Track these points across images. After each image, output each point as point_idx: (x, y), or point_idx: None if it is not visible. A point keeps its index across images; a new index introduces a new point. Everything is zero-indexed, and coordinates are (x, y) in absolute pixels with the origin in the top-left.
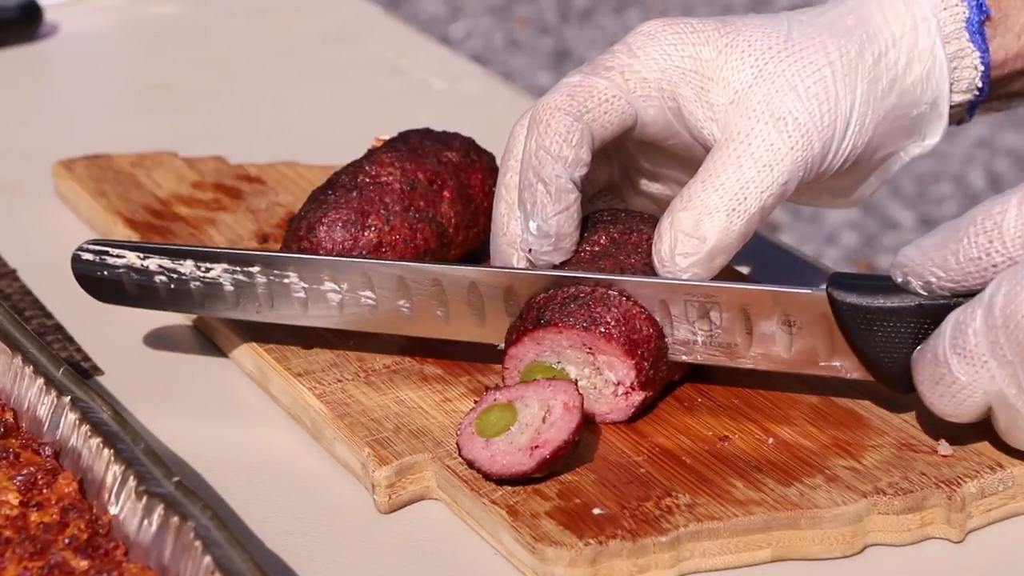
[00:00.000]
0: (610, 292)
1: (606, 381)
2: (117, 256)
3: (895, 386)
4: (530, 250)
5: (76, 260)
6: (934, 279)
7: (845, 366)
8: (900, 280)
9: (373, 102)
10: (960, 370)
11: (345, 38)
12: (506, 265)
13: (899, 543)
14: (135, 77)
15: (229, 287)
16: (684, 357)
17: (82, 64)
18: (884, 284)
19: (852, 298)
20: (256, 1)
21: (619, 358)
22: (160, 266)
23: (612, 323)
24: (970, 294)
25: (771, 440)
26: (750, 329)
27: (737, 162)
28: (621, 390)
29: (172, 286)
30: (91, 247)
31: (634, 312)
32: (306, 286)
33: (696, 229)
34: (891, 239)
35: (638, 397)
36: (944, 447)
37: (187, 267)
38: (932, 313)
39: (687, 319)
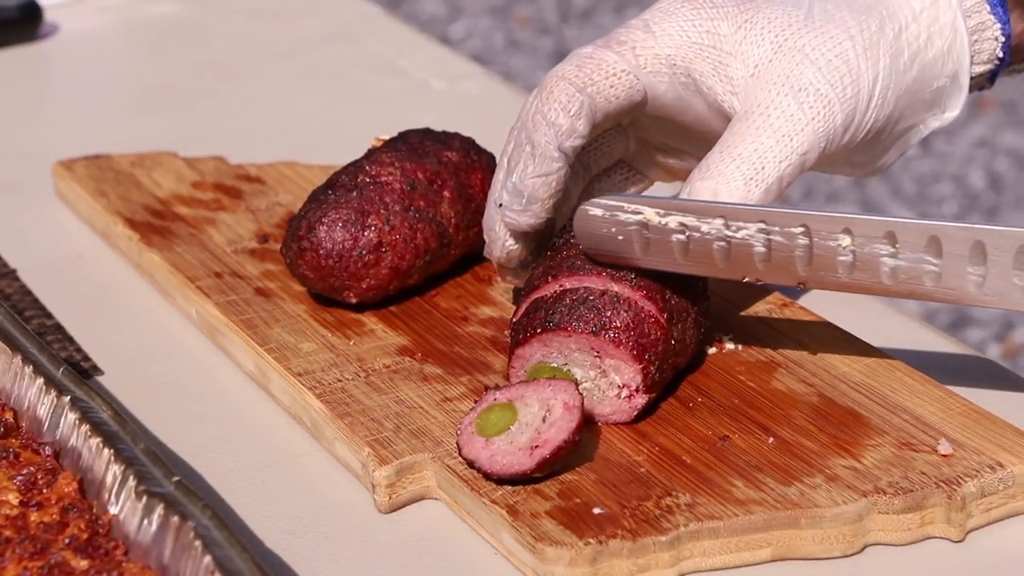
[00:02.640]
0: (620, 294)
1: (611, 383)
2: (632, 212)
3: None
4: (500, 205)
5: (582, 215)
6: None
7: None
8: None
9: (373, 102)
10: None
11: (345, 38)
12: (490, 229)
13: (899, 543)
14: (135, 77)
15: (760, 248)
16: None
17: (82, 64)
18: None
19: None
20: (256, 1)
21: (627, 362)
22: (681, 224)
23: (621, 327)
24: None
25: (771, 440)
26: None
27: (755, 132)
28: (625, 393)
29: (690, 246)
30: (602, 202)
31: (643, 316)
32: (856, 249)
33: (714, 198)
34: None
35: (642, 400)
36: (944, 447)
37: (714, 226)
38: None
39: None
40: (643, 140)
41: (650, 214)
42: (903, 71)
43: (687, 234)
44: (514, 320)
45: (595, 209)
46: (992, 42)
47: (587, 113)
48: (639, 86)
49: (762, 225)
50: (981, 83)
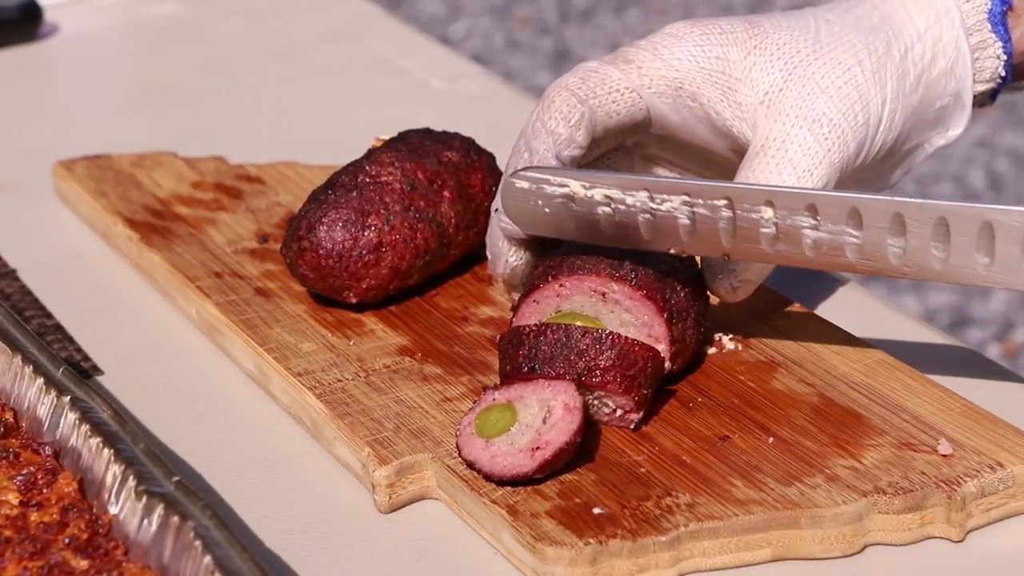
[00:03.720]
0: (601, 330)
1: (604, 404)
2: (558, 185)
3: None
4: (496, 209)
5: (509, 188)
6: None
7: None
8: None
9: (373, 102)
10: None
11: (345, 38)
12: (493, 245)
13: (899, 543)
14: (135, 77)
15: (685, 221)
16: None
17: (82, 64)
18: None
19: None
20: (256, 1)
21: (617, 395)
22: (607, 196)
23: (606, 368)
24: None
25: (771, 440)
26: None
27: (777, 170)
28: (619, 412)
29: (616, 219)
30: (528, 175)
31: (627, 348)
32: (779, 221)
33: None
34: None
35: (636, 416)
36: (944, 447)
37: (639, 198)
38: None
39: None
40: (648, 159)
41: (576, 186)
42: (909, 92)
43: (612, 206)
44: (499, 341)
45: (522, 182)
46: (994, 60)
47: (587, 124)
48: (642, 104)
49: (686, 198)
50: (982, 100)
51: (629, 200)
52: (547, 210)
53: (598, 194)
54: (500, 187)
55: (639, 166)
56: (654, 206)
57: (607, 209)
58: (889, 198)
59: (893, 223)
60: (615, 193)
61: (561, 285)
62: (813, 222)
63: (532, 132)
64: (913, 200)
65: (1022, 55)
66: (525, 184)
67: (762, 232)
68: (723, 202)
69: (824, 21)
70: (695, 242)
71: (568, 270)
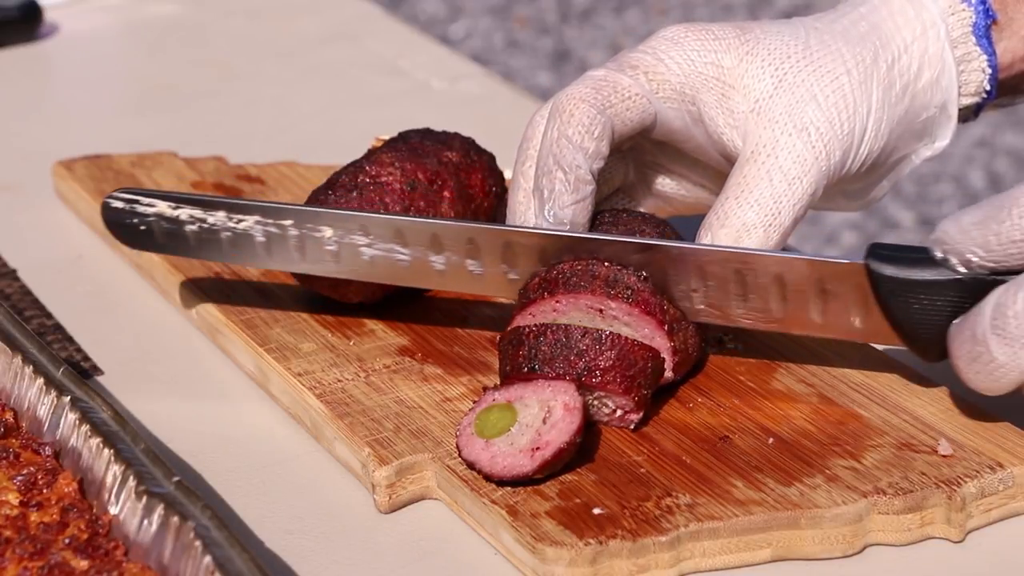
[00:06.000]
0: (601, 331)
1: (604, 404)
2: (148, 205)
3: (928, 356)
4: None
5: (106, 208)
6: (975, 258)
7: (878, 334)
8: (939, 256)
9: (373, 102)
10: (999, 350)
11: (345, 38)
12: None
13: (899, 543)
14: (135, 77)
15: (260, 238)
16: (718, 320)
17: (82, 64)
18: (921, 257)
19: (890, 270)
20: (256, 1)
21: (616, 395)
22: (191, 216)
23: (606, 368)
24: (1010, 273)
25: (771, 440)
26: (784, 296)
27: (768, 176)
28: (619, 412)
29: (202, 236)
30: (121, 195)
31: (626, 348)
32: (339, 240)
33: (736, 245)
34: (891, 239)
35: (636, 416)
36: (944, 447)
37: (218, 217)
38: (971, 288)
39: (723, 284)
40: (643, 164)
41: (163, 206)
42: (895, 103)
43: (197, 225)
44: (499, 339)
45: (117, 202)
46: (979, 73)
47: (608, 135)
48: (651, 110)
49: (259, 217)
50: (967, 115)
51: (210, 219)
52: (143, 228)
53: (183, 213)
54: (102, 208)
55: (632, 173)
56: (232, 224)
57: (193, 227)
58: (431, 220)
59: (432, 242)
60: (198, 212)
61: (557, 301)
62: (367, 240)
63: (559, 150)
64: (449, 222)
65: (1007, 69)
66: (120, 204)
67: (326, 250)
68: (289, 222)
69: (813, 29)
70: (275, 259)
71: (564, 287)
